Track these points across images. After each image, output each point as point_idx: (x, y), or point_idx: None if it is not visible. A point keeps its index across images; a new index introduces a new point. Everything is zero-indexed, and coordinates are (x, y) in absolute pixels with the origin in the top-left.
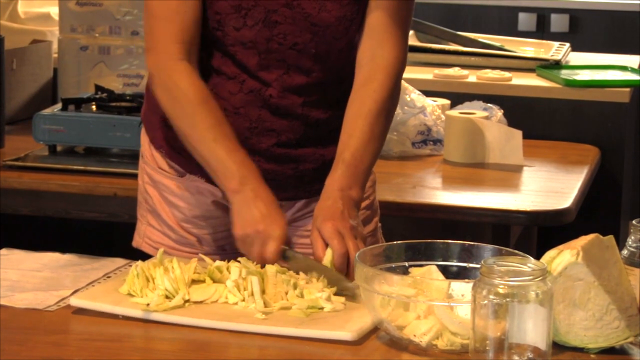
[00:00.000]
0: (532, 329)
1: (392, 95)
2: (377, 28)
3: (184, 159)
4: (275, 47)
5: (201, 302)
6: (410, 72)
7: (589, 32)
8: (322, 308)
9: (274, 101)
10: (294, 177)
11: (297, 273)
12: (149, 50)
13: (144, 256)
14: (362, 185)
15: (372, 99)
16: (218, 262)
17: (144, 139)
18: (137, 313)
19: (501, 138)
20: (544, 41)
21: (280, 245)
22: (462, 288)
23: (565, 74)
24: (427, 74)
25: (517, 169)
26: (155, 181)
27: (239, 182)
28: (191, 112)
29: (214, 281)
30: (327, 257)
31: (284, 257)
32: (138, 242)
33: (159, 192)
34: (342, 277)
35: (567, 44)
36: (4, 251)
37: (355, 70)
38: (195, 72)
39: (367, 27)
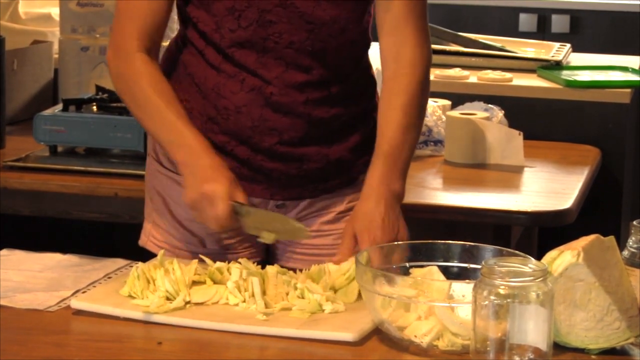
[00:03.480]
0: (532, 330)
1: (423, 89)
2: (396, 26)
3: None
4: (271, 46)
5: (202, 303)
6: None
7: (589, 32)
8: (323, 310)
9: (275, 99)
10: (298, 177)
11: (250, 229)
12: (110, 45)
13: (145, 257)
14: (403, 176)
15: (404, 92)
16: (218, 264)
17: (151, 138)
18: (138, 315)
19: (502, 139)
20: (544, 42)
21: (228, 202)
22: (463, 289)
23: (566, 74)
24: None
25: (518, 170)
26: (161, 180)
27: (183, 152)
28: (142, 96)
29: (215, 282)
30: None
31: (236, 213)
32: (144, 240)
33: (164, 191)
34: (293, 220)
35: (568, 45)
36: (4, 252)
37: (366, 68)
38: (151, 61)
39: (386, 26)
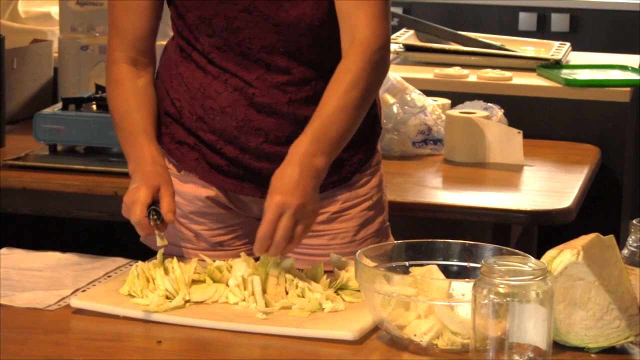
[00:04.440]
0: (532, 329)
1: (369, 69)
2: (349, 13)
3: (180, 155)
4: (246, 51)
5: (201, 302)
6: (410, 72)
7: (589, 31)
8: (323, 308)
9: (258, 100)
10: None
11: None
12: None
13: (144, 256)
14: (329, 154)
15: (346, 71)
16: (218, 262)
17: None
18: (137, 314)
19: (502, 138)
20: (544, 41)
21: (143, 207)
22: (462, 287)
23: (565, 73)
24: (427, 73)
25: (518, 169)
26: None
27: (134, 163)
28: (114, 105)
29: (214, 281)
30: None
31: (149, 218)
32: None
33: None
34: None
35: (568, 44)
36: (4, 250)
37: None
38: (134, 71)
39: (340, 16)
